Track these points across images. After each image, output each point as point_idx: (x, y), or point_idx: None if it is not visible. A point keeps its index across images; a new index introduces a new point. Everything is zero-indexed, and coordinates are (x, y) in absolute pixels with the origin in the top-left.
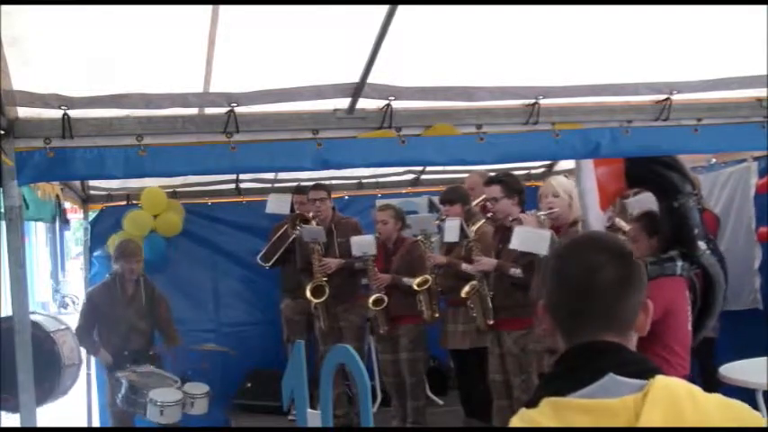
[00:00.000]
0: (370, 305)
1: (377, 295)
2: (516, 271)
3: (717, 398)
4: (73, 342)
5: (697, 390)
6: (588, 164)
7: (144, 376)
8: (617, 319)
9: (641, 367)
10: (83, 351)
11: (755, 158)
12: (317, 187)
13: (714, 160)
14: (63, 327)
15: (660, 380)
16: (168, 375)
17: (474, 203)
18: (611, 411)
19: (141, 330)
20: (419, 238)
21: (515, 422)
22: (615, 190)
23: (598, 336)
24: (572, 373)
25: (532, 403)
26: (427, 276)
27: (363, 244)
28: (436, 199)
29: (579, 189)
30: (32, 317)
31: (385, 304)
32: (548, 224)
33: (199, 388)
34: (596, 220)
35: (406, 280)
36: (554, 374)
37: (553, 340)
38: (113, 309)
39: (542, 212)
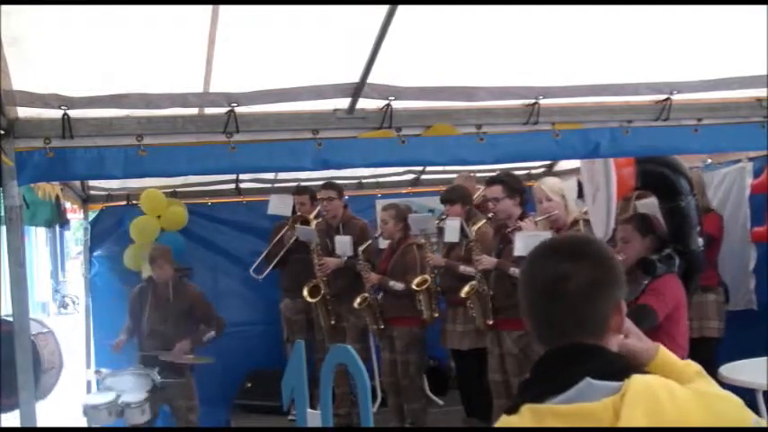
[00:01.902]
0: (356, 305)
1: (362, 295)
2: (517, 271)
3: (693, 389)
4: (54, 345)
5: (674, 384)
6: (611, 169)
7: (115, 377)
8: (588, 323)
9: (618, 367)
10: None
11: (750, 159)
12: (327, 186)
13: (710, 161)
14: (45, 330)
15: (636, 379)
16: (149, 376)
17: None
18: (591, 415)
19: (160, 333)
20: (421, 240)
21: (498, 428)
22: (625, 191)
23: (572, 339)
24: (549, 379)
25: (513, 410)
26: (426, 276)
27: (342, 244)
28: (434, 200)
29: (606, 194)
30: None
31: (367, 303)
32: (547, 227)
33: (135, 396)
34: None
35: (392, 283)
36: (532, 380)
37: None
38: (140, 311)
39: (540, 217)
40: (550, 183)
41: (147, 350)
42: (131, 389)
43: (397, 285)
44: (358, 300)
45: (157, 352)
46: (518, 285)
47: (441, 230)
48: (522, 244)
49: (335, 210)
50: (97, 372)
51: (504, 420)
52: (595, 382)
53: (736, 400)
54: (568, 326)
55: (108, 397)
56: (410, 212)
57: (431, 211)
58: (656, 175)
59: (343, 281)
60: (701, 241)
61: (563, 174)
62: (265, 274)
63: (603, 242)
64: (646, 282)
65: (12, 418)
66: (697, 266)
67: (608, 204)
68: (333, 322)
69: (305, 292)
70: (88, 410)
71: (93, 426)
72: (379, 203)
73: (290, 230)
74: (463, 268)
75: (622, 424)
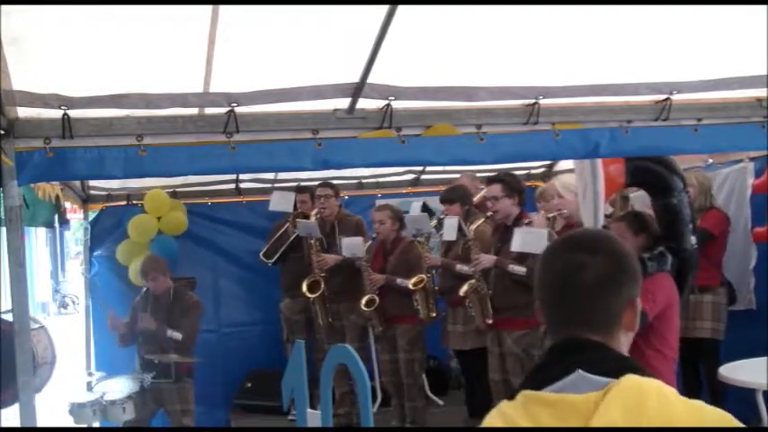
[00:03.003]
0: (363, 306)
1: (368, 296)
2: (516, 268)
3: (694, 403)
4: (46, 340)
5: (671, 392)
6: (598, 166)
7: (107, 380)
8: (599, 318)
9: (617, 366)
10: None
11: (752, 159)
12: (324, 185)
13: (711, 161)
14: (37, 326)
15: (628, 379)
16: (139, 379)
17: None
18: (572, 407)
19: (154, 338)
20: (419, 239)
21: (492, 414)
22: (614, 188)
23: (579, 333)
24: (548, 368)
25: (513, 396)
26: (422, 276)
27: (352, 245)
28: (433, 199)
29: (594, 190)
30: (6, 316)
31: (376, 305)
32: (561, 224)
33: (118, 394)
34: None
35: (400, 281)
36: (535, 369)
37: None
38: (140, 316)
39: (552, 213)
40: (564, 180)
41: (146, 355)
42: (118, 390)
43: (405, 282)
44: (364, 300)
45: (154, 356)
46: (534, 278)
47: (440, 229)
48: (519, 240)
49: (332, 208)
50: (90, 374)
51: (502, 405)
52: (587, 375)
53: (735, 421)
54: (577, 319)
55: (92, 396)
56: (402, 212)
57: (431, 212)
58: (647, 172)
59: (339, 280)
60: (694, 240)
61: (565, 172)
62: (273, 261)
63: (621, 240)
64: None
65: (11, 417)
66: (691, 265)
67: (595, 201)
68: (330, 321)
69: (304, 287)
70: (74, 409)
71: (79, 425)
72: (378, 203)
73: (291, 226)
74: (459, 267)
75: (595, 419)
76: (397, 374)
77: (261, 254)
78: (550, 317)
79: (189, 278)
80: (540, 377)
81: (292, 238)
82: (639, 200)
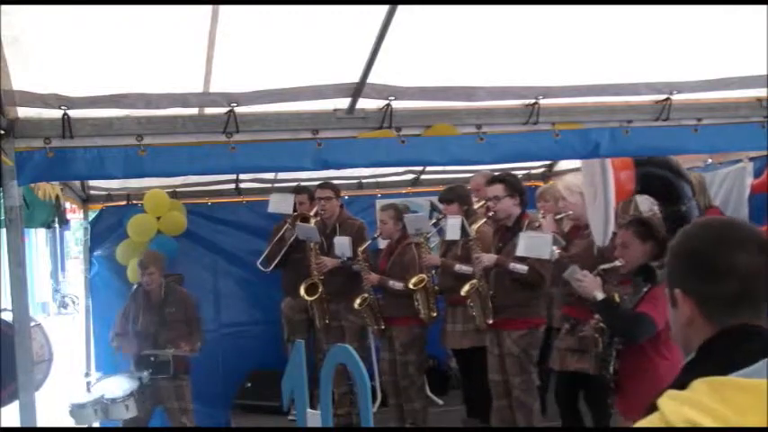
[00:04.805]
0: (356, 306)
1: (361, 296)
2: (517, 266)
3: None
4: (42, 338)
5: None
6: (609, 170)
7: (105, 380)
8: (764, 306)
9: None
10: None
11: (751, 159)
12: (324, 186)
13: (710, 160)
14: (32, 324)
15: None
16: (137, 377)
17: (477, 206)
18: None
19: (150, 336)
20: (418, 239)
21: (672, 408)
22: (624, 195)
23: (747, 320)
24: (729, 353)
25: (681, 387)
26: (423, 276)
27: (341, 245)
28: (436, 199)
29: (605, 198)
30: (5, 315)
31: (368, 302)
32: (568, 225)
33: (119, 392)
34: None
35: (392, 283)
36: (704, 357)
37: (685, 332)
38: (133, 314)
39: (560, 215)
40: (567, 182)
41: (141, 352)
42: (117, 388)
43: (397, 285)
44: (358, 300)
45: (152, 352)
46: (691, 270)
47: (441, 229)
48: (523, 245)
49: (332, 209)
50: (87, 374)
51: (672, 394)
52: None
53: None
54: (754, 309)
55: (93, 395)
56: (408, 212)
57: (440, 212)
58: (657, 179)
59: (339, 280)
60: None
61: (567, 173)
62: (271, 268)
63: None
64: (645, 289)
65: (11, 417)
66: None
67: (606, 210)
68: (327, 322)
69: (302, 291)
70: (74, 410)
71: (80, 425)
72: (379, 203)
73: (291, 228)
74: (458, 267)
75: None
76: (395, 374)
77: (258, 262)
78: (725, 306)
79: (176, 275)
80: (720, 361)
81: (291, 239)
82: (645, 199)
